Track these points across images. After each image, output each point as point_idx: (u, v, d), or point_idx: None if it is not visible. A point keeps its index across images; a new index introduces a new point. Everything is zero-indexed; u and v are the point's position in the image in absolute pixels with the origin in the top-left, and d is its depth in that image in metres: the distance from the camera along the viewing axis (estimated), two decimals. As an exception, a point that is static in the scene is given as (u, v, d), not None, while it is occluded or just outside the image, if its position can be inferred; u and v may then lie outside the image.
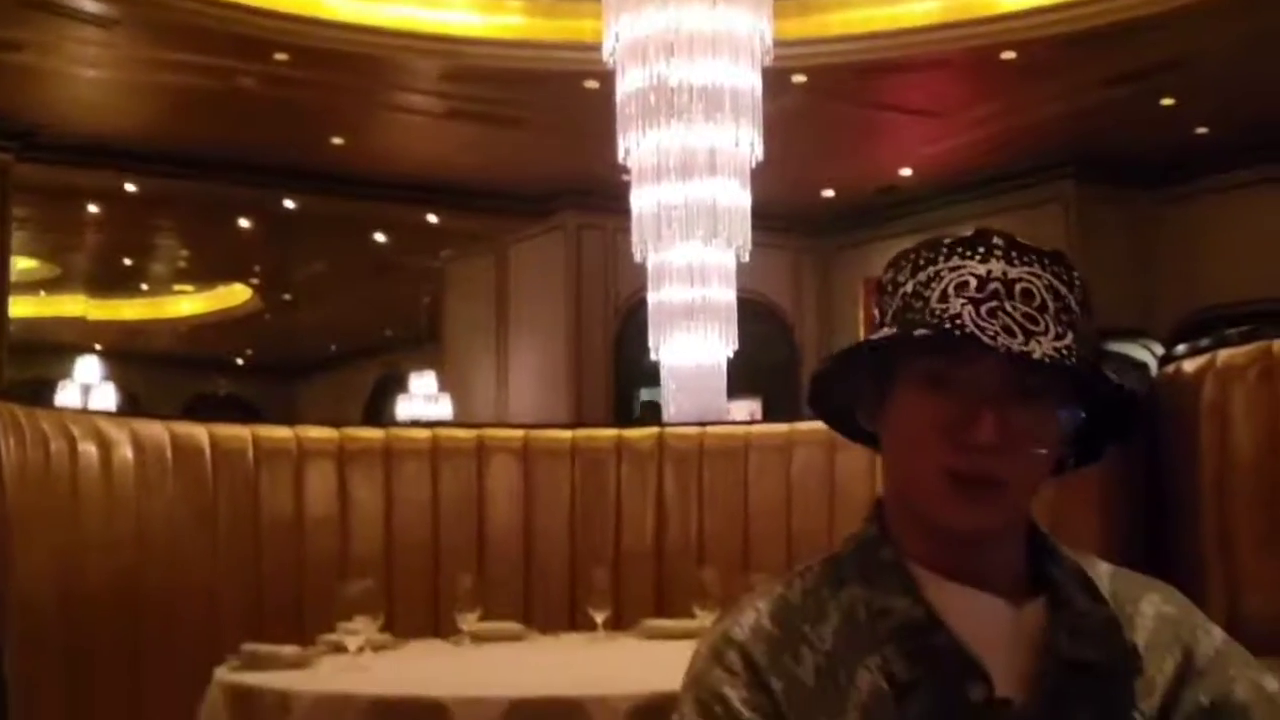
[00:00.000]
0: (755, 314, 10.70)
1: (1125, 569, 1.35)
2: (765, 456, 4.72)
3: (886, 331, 1.24)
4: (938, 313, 1.21)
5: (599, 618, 3.85)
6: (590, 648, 3.78)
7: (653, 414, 8.07)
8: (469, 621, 3.67)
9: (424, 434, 4.77)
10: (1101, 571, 1.32)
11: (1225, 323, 7.87)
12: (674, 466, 4.80)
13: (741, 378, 7.86)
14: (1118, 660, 1.23)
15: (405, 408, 15.69)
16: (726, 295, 6.90)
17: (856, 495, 4.32)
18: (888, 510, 1.31)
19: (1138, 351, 7.88)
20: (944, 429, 1.21)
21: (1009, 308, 1.20)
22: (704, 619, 3.64)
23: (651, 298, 6.97)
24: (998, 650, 1.22)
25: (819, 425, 4.76)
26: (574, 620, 4.34)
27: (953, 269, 1.23)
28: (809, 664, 1.22)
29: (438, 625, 4.17)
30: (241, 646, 3.32)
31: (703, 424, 5.13)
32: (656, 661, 3.43)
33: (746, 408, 11.43)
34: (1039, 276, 1.23)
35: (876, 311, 1.30)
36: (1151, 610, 1.30)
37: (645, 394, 11.64)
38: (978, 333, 1.17)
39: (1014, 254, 1.23)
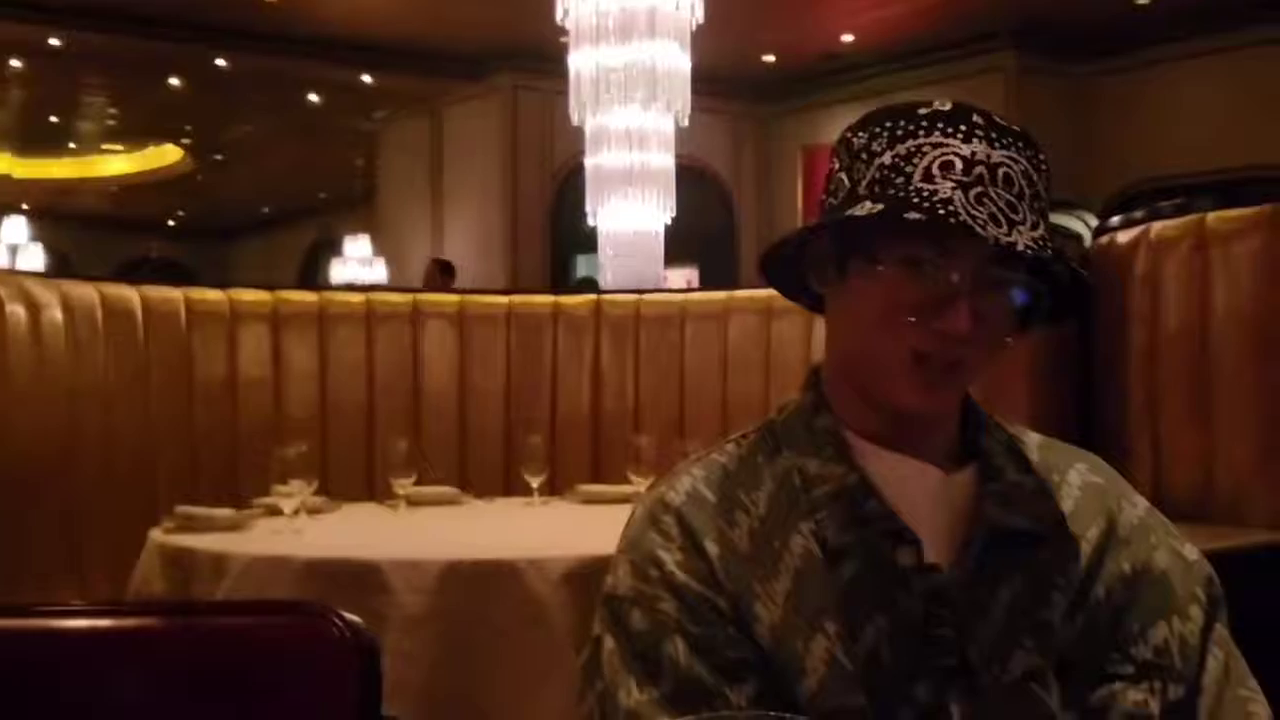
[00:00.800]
0: (693, 180, 10.65)
1: (1054, 439, 1.37)
2: (702, 324, 4.73)
3: (871, 207, 1.19)
4: (925, 194, 1.17)
5: (534, 482, 3.87)
6: (525, 512, 3.81)
7: (589, 287, 8.04)
8: (404, 486, 3.68)
9: (359, 298, 4.74)
10: (1031, 441, 1.34)
11: (1159, 195, 7.93)
12: (610, 333, 4.81)
13: (679, 245, 7.84)
14: (1044, 528, 1.25)
15: (340, 272, 15.57)
16: (665, 161, 6.86)
17: (792, 362, 4.35)
18: (826, 378, 1.31)
19: (1072, 223, 7.93)
20: (918, 313, 1.19)
21: (994, 194, 1.18)
22: (639, 484, 3.67)
23: (589, 162, 6.92)
24: (928, 518, 1.23)
25: (756, 293, 4.78)
26: (509, 485, 4.37)
27: (935, 145, 1.20)
28: (744, 529, 1.23)
29: (372, 489, 4.18)
30: (176, 509, 3.32)
31: (640, 291, 5.13)
32: (591, 526, 3.47)
33: (683, 275, 11.43)
34: (1017, 161, 1.21)
35: (844, 176, 1.26)
36: (1078, 479, 1.31)
37: (582, 261, 11.60)
38: (970, 221, 1.14)
39: (994, 135, 1.21)
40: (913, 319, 1.19)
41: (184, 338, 4.26)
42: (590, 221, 6.97)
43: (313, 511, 3.41)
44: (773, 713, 0.85)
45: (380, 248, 14.90)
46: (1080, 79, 11.64)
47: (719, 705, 1.14)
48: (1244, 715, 1.23)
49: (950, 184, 1.17)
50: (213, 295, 4.43)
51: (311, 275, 18.61)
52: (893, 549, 1.21)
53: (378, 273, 14.73)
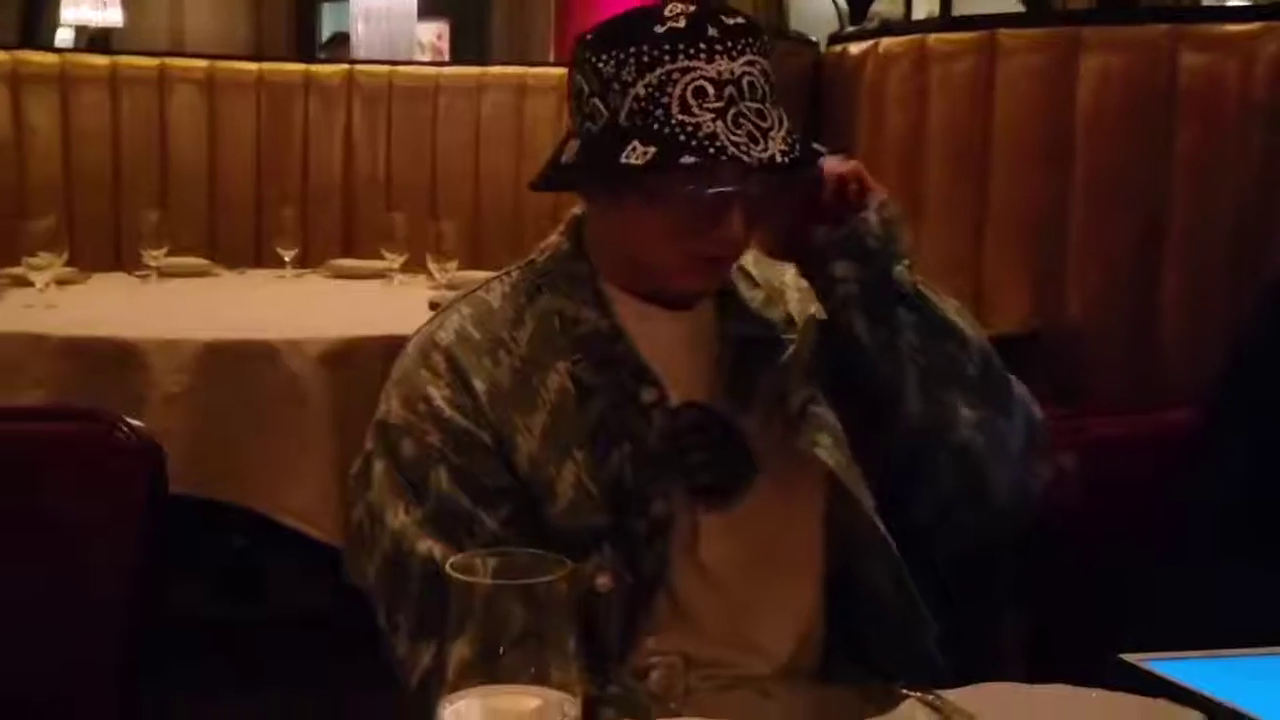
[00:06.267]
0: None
1: (759, 254, 1.50)
2: (455, 98, 4.77)
3: (644, 151, 1.25)
4: (688, 128, 1.25)
5: (287, 255, 3.91)
6: (279, 285, 3.85)
7: (340, 44, 7.87)
8: (155, 257, 3.67)
9: (103, 61, 4.62)
10: (747, 259, 1.49)
11: None
12: (363, 104, 4.81)
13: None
14: (781, 330, 1.43)
15: (72, 13, 14.68)
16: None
17: (543, 139, 4.45)
18: (594, 241, 1.42)
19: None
20: (696, 226, 1.31)
21: (744, 109, 1.26)
22: (392, 261, 3.77)
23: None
24: (679, 357, 1.40)
25: (510, 69, 4.82)
26: (260, 256, 4.40)
27: (683, 71, 1.27)
28: (506, 366, 1.36)
29: (121, 259, 4.16)
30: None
31: (393, 62, 5.12)
32: (345, 303, 3.59)
33: (434, 29, 11.22)
34: (754, 63, 1.29)
35: (599, 103, 1.31)
36: (794, 281, 1.49)
37: (329, 10, 11.24)
38: (737, 152, 1.24)
39: (730, 43, 1.28)
40: (693, 230, 1.31)
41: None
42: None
43: (62, 283, 3.38)
44: (517, 549, 0.96)
45: (113, -13, 14.08)
46: None
47: (474, 527, 1.30)
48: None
49: (708, 114, 1.25)
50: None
51: (37, 14, 17.50)
52: (637, 387, 1.36)
53: (112, 15, 13.97)
